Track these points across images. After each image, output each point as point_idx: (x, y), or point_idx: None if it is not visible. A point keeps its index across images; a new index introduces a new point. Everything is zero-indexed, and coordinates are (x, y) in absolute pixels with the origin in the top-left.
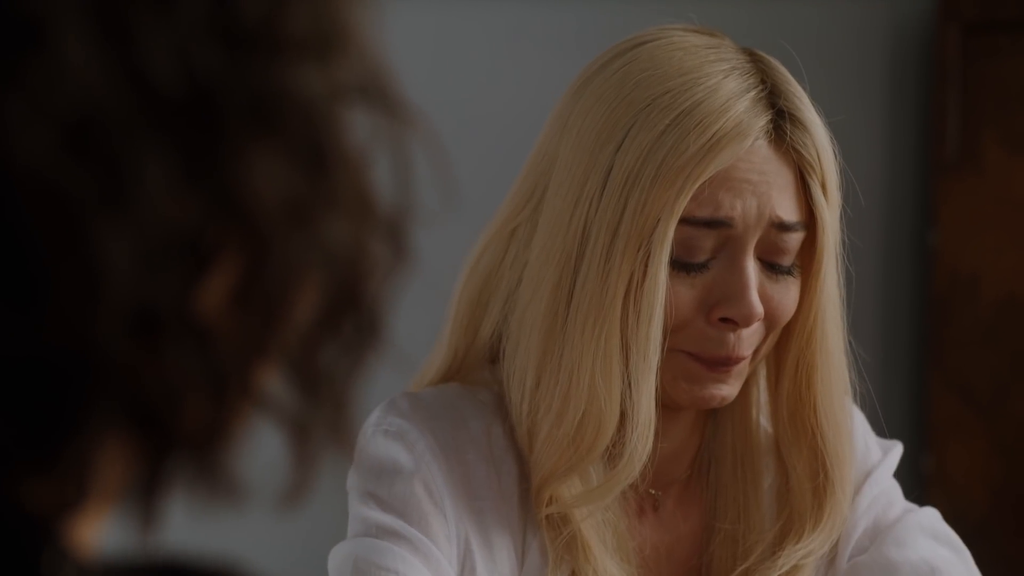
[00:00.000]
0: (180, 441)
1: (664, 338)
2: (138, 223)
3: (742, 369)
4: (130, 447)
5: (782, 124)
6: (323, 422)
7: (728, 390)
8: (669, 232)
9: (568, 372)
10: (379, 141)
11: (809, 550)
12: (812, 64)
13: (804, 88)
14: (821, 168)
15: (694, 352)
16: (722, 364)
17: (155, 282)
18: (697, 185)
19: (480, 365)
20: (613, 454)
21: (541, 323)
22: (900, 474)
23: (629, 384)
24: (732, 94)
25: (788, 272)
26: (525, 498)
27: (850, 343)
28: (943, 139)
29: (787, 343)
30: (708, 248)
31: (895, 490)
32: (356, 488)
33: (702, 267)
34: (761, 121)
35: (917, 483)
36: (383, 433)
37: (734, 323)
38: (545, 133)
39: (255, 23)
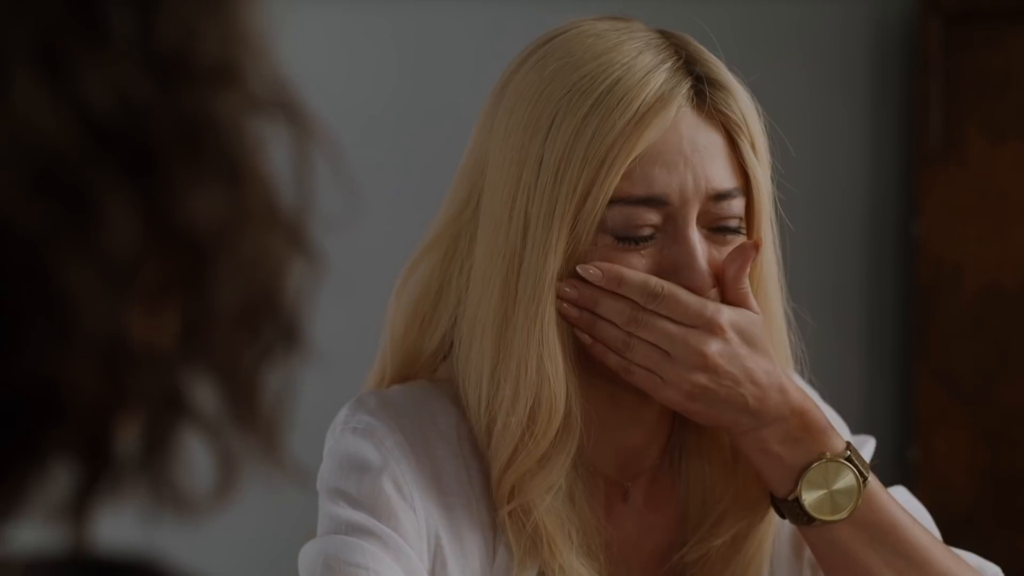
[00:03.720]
0: (117, 462)
1: None
2: (101, 256)
3: None
4: (69, 466)
5: (703, 88)
6: (253, 440)
7: None
8: (599, 209)
9: (517, 360)
10: (283, 149)
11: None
12: (796, 56)
13: (721, 60)
14: (748, 129)
15: None
16: None
17: (116, 312)
18: (629, 160)
19: (434, 367)
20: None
21: (492, 321)
22: (886, 465)
23: (572, 359)
24: (649, 67)
25: (736, 232)
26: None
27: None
28: (926, 130)
29: None
30: (651, 224)
31: None
32: (325, 486)
33: (649, 239)
34: (683, 88)
35: (903, 474)
36: (351, 431)
37: None
38: (473, 139)
39: (172, 52)
